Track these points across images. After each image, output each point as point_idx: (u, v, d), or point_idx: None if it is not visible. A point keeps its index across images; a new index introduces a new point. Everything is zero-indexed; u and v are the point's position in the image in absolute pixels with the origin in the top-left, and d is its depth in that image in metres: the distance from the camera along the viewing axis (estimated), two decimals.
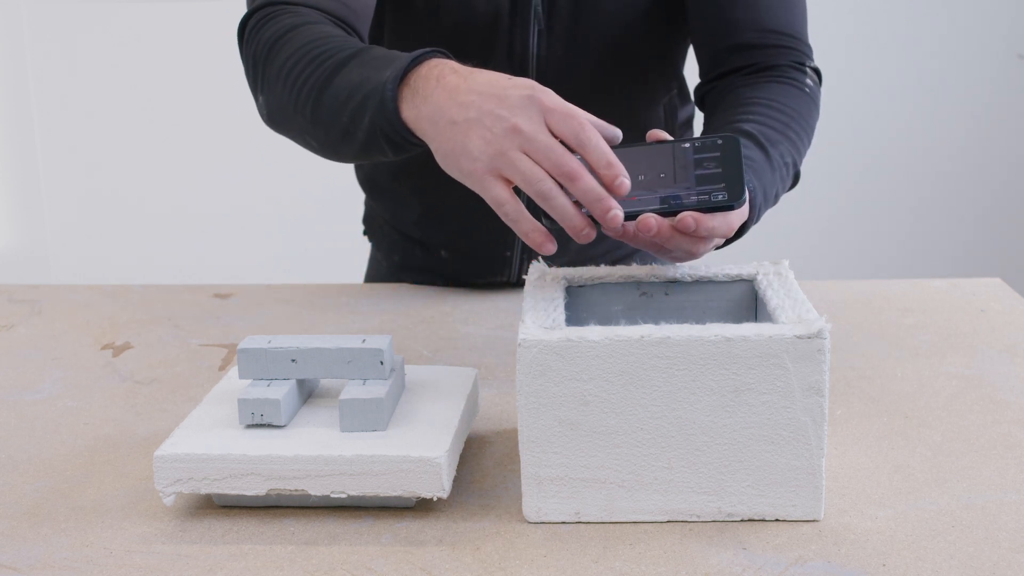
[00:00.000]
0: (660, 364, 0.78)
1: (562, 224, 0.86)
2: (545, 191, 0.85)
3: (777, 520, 0.81)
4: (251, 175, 3.16)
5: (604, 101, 1.25)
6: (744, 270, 0.94)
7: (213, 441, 0.83)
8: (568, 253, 1.28)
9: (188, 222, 3.18)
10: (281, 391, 0.86)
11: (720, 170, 0.89)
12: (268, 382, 0.88)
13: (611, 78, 1.24)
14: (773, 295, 0.87)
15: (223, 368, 1.13)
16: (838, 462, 0.90)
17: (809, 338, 0.78)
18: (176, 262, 3.16)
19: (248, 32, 1.08)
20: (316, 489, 0.82)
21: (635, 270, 0.93)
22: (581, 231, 0.86)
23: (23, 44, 3.09)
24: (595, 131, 0.85)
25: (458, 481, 0.88)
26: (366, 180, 1.41)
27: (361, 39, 1.11)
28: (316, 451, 0.82)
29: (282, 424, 0.85)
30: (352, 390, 0.85)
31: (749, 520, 0.81)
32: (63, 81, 3.11)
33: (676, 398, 0.79)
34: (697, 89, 1.24)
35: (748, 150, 1.04)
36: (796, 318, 0.81)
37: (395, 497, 0.83)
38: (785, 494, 0.81)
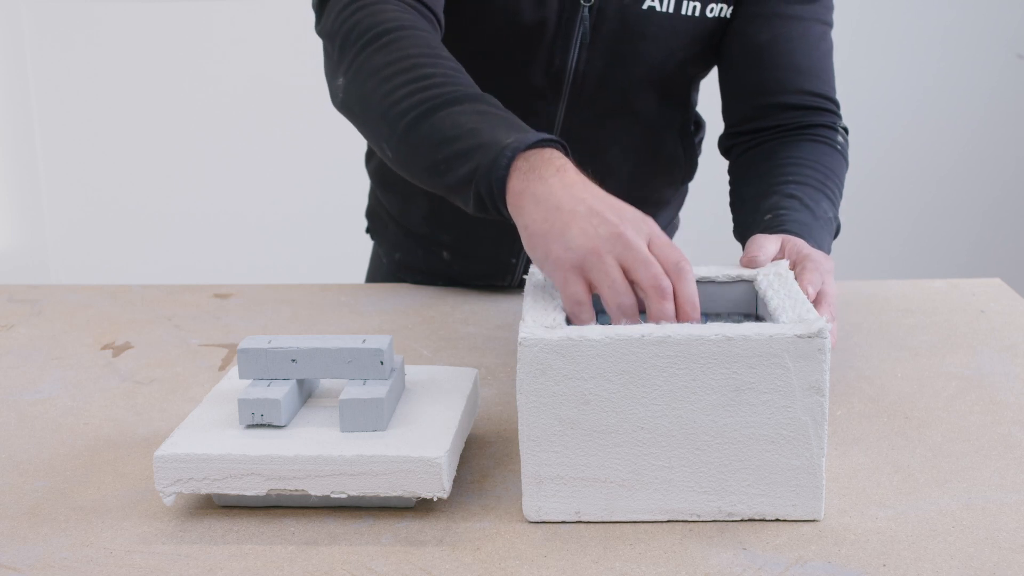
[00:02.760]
0: (660, 363, 0.78)
1: None
2: (628, 306, 0.84)
3: (777, 520, 0.81)
4: (251, 176, 3.16)
5: (627, 120, 1.26)
6: (744, 271, 0.94)
7: (213, 441, 0.83)
8: None
9: (188, 222, 3.18)
10: (281, 391, 0.86)
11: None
12: (268, 382, 0.88)
13: (638, 99, 1.25)
14: (773, 295, 0.87)
15: (223, 368, 1.13)
16: (838, 462, 0.90)
17: (809, 337, 0.78)
18: (176, 262, 3.16)
19: (337, 8, 1.07)
20: (316, 489, 0.82)
21: None
22: None
23: (23, 44, 3.09)
24: (692, 270, 0.86)
25: (458, 481, 0.88)
26: (376, 172, 1.40)
27: (440, 27, 1.11)
28: (316, 451, 0.82)
29: (282, 424, 0.85)
30: (352, 390, 0.85)
31: (749, 520, 0.81)
32: (63, 81, 3.11)
33: (676, 397, 0.79)
34: (723, 139, 1.26)
35: (797, 213, 1.09)
36: (796, 318, 0.81)
37: (395, 497, 0.83)
38: (785, 494, 0.81)
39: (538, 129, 0.94)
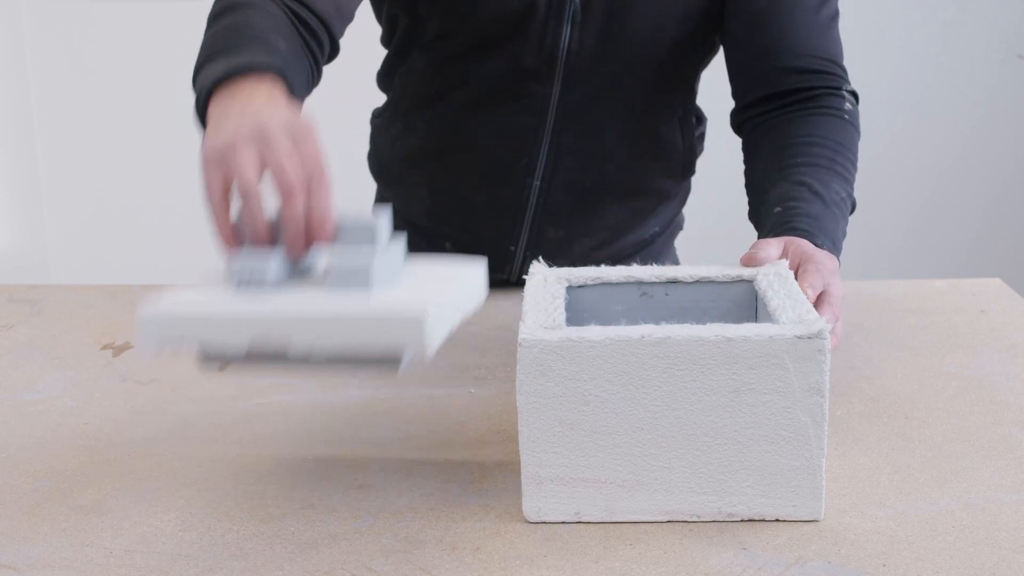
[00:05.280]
0: (660, 364, 0.78)
1: (247, 230, 0.84)
2: (245, 191, 0.83)
3: (777, 520, 0.81)
4: None
5: (621, 100, 1.26)
6: (744, 271, 0.94)
7: (200, 300, 0.81)
8: (570, 255, 1.29)
9: (188, 222, 3.18)
10: (270, 254, 0.83)
11: None
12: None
13: (631, 78, 1.25)
14: (773, 295, 0.87)
15: (223, 368, 1.12)
16: (838, 462, 0.90)
17: (809, 338, 0.78)
18: (176, 262, 3.16)
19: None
20: (301, 340, 0.78)
21: (635, 270, 0.93)
22: (258, 242, 0.84)
23: (23, 44, 3.09)
24: (330, 186, 0.84)
25: (458, 481, 0.88)
26: (378, 169, 1.41)
27: (332, 35, 1.13)
28: (303, 305, 0.79)
29: (270, 286, 0.82)
30: (342, 256, 0.82)
31: (749, 520, 0.81)
32: (63, 81, 3.11)
33: (676, 398, 0.79)
34: (734, 115, 1.26)
35: (807, 204, 1.08)
36: (796, 318, 0.81)
37: (380, 358, 0.79)
38: (785, 494, 0.81)
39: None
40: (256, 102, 0.90)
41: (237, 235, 0.85)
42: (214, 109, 0.92)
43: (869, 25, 3.00)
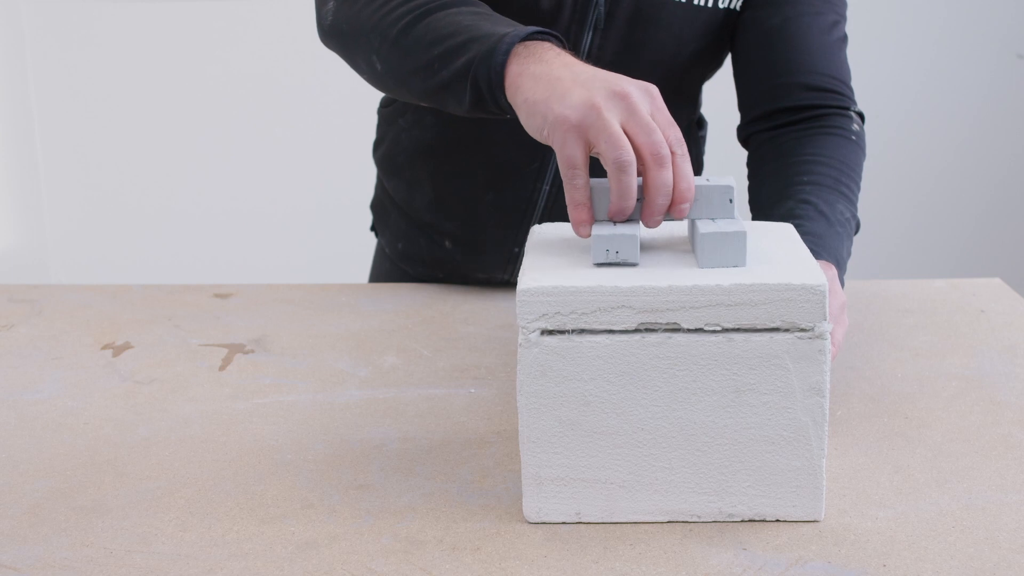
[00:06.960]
0: (661, 364, 0.78)
1: (617, 204, 0.83)
2: (626, 163, 0.81)
3: (777, 520, 0.81)
4: (252, 175, 3.16)
5: None
6: None
7: (574, 276, 0.79)
8: None
9: (188, 222, 3.18)
10: (633, 228, 0.81)
11: None
12: (613, 223, 0.83)
13: None
14: None
15: (223, 368, 1.13)
16: (838, 462, 0.90)
17: (810, 338, 0.78)
18: (176, 262, 3.16)
19: None
20: (689, 322, 0.77)
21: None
22: (621, 217, 0.84)
23: (23, 44, 3.09)
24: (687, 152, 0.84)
25: (458, 481, 0.88)
26: (383, 159, 1.41)
27: None
28: (690, 281, 0.77)
29: (635, 263, 0.81)
30: (709, 225, 0.81)
31: (749, 520, 0.81)
32: (63, 81, 3.11)
33: (677, 398, 0.79)
34: (741, 128, 1.26)
35: (812, 222, 1.08)
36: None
37: (767, 330, 0.78)
38: (785, 494, 0.81)
39: None
40: (579, 65, 0.87)
41: (592, 212, 0.83)
42: (523, 72, 0.89)
43: (869, 25, 3.00)
